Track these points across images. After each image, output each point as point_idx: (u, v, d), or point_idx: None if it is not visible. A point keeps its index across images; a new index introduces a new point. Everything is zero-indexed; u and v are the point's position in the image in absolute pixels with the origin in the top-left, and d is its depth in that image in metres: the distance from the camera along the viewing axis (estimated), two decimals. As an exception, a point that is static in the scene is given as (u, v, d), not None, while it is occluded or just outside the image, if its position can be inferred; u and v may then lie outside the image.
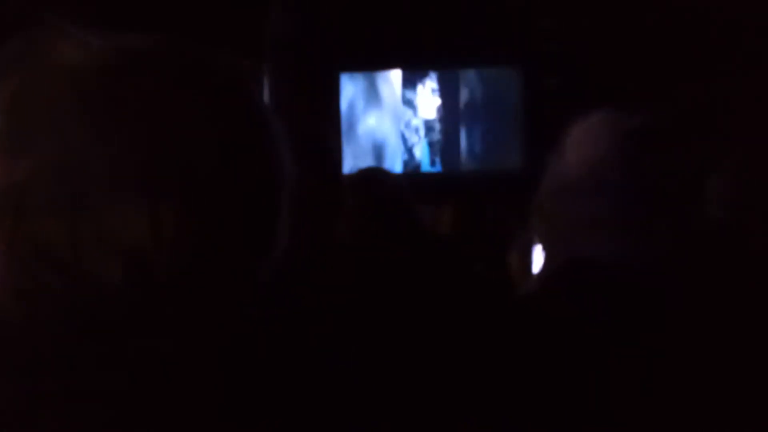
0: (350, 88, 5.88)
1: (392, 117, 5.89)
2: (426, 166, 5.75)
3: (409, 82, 5.88)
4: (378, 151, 5.88)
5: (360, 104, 5.91)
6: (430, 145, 5.86)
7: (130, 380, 0.73)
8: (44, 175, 0.72)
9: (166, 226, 0.73)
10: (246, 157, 0.77)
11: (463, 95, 5.81)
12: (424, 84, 5.86)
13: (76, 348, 0.73)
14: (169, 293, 0.73)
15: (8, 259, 0.73)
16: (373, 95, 5.92)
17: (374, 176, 2.26)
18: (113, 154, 0.72)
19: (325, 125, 5.59)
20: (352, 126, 5.88)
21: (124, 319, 0.73)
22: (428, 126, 5.86)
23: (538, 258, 1.40)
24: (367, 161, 5.77)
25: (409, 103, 5.89)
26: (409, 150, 5.88)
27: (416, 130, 5.89)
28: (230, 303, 0.77)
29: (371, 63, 5.83)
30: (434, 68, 5.80)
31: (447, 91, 5.84)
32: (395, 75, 5.87)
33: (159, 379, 0.73)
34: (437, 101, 5.85)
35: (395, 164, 5.68)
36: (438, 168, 5.73)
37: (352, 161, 5.76)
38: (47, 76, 0.75)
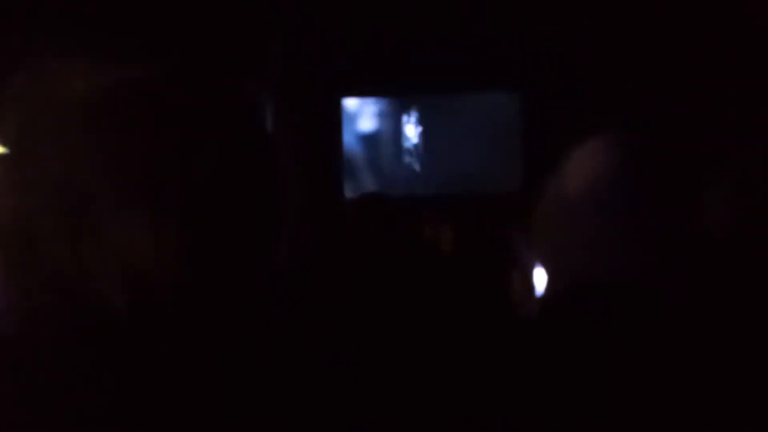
0: (349, 111, 5.89)
1: (391, 140, 5.89)
2: (425, 189, 5.75)
3: (408, 104, 5.89)
4: (377, 173, 5.88)
5: (358, 127, 5.91)
6: (429, 167, 5.86)
7: (133, 391, 0.73)
8: (52, 203, 0.73)
9: (169, 247, 0.73)
10: (248, 176, 0.78)
11: (463, 117, 5.81)
12: (423, 107, 5.87)
13: (82, 368, 0.73)
14: (173, 309, 0.74)
15: (18, 285, 0.74)
16: (371, 119, 5.92)
17: (375, 200, 2.27)
18: (118, 180, 0.73)
19: (327, 148, 5.60)
20: (349, 148, 5.88)
21: (129, 337, 0.74)
22: (427, 148, 5.86)
23: (540, 279, 1.40)
24: (365, 184, 5.76)
25: (407, 125, 5.90)
26: (408, 172, 5.88)
27: (415, 153, 5.90)
28: (232, 315, 0.77)
29: (371, 88, 5.84)
30: (433, 92, 5.81)
31: (446, 114, 5.85)
32: (393, 99, 5.88)
33: (162, 389, 0.74)
34: (437, 123, 5.85)
35: (395, 187, 5.68)
36: (436, 190, 5.73)
37: (351, 184, 5.76)
38: (53, 107, 0.76)
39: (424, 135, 5.89)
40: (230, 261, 0.78)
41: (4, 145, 0.76)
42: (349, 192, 5.57)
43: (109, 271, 0.73)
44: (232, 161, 0.78)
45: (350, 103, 5.86)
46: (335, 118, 5.80)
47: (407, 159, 5.90)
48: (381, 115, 5.92)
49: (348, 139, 5.86)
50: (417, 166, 5.87)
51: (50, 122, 0.76)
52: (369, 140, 5.91)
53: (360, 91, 5.84)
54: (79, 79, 0.77)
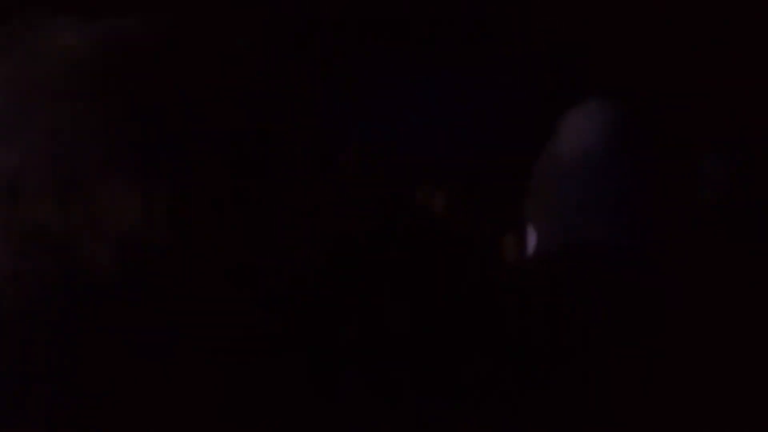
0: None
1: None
2: (418, 150, 5.74)
3: (404, 67, 5.87)
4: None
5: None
6: (423, 129, 5.85)
7: (123, 363, 0.73)
8: (38, 159, 0.72)
9: (159, 210, 0.73)
10: (242, 143, 0.78)
11: (459, 79, 5.80)
12: (418, 69, 5.85)
13: (71, 331, 0.73)
14: (163, 278, 0.74)
15: (4, 242, 0.73)
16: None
17: (365, 155, 2.25)
18: (106, 138, 0.72)
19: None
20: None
21: (119, 302, 0.73)
22: (421, 109, 5.85)
23: (532, 240, 1.40)
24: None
25: (405, 85, 5.88)
26: (401, 133, 5.87)
27: (410, 112, 5.88)
28: (222, 279, 0.77)
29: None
30: (433, 53, 5.78)
31: (442, 70, 5.83)
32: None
33: (153, 363, 0.74)
34: (431, 85, 5.84)
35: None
36: (430, 151, 5.72)
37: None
38: (39, 60, 0.75)
39: (423, 95, 5.88)
40: (220, 223, 0.77)
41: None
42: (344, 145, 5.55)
43: (98, 229, 0.72)
44: (225, 123, 0.77)
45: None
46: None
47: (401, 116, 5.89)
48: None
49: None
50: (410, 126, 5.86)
51: (37, 76, 0.75)
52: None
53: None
54: (68, 32, 0.76)
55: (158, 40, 0.78)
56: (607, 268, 1.20)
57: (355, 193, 1.46)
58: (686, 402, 1.15)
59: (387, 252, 1.59)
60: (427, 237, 1.76)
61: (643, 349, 1.16)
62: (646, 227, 1.21)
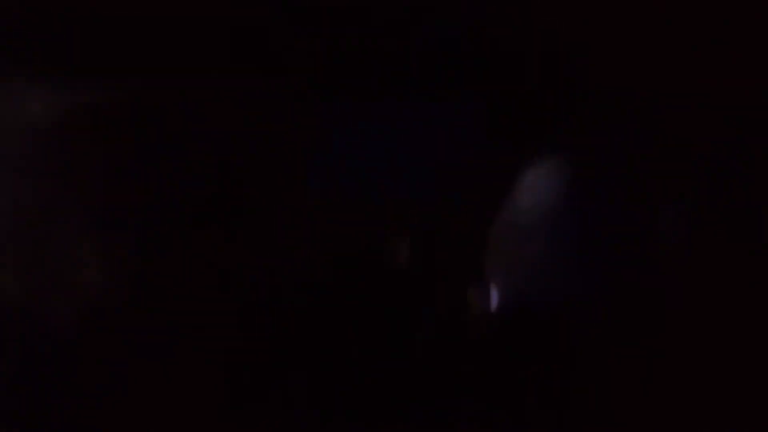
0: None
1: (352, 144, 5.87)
2: (380, 198, 5.73)
3: (363, 112, 5.88)
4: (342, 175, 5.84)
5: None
6: (384, 176, 5.84)
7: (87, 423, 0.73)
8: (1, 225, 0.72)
9: (122, 271, 0.73)
10: (205, 202, 0.78)
11: (420, 129, 5.81)
12: (379, 115, 5.86)
13: (35, 391, 0.73)
14: (126, 339, 0.74)
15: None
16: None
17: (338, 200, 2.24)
18: (71, 204, 0.72)
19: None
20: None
21: (83, 363, 0.73)
22: (382, 157, 5.85)
23: (493, 295, 1.41)
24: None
25: (363, 133, 5.89)
26: (368, 185, 5.86)
27: (371, 161, 5.88)
28: (188, 335, 0.77)
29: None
30: (391, 98, 5.79)
31: (403, 124, 5.84)
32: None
33: (113, 410, 0.73)
34: (392, 133, 5.84)
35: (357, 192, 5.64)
36: (393, 199, 5.71)
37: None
38: (6, 129, 0.75)
39: (384, 142, 5.89)
40: (184, 283, 0.77)
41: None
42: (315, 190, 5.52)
43: (58, 294, 0.72)
44: (190, 187, 0.77)
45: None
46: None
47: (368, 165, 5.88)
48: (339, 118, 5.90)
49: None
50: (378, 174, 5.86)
51: (2, 144, 0.75)
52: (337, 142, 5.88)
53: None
54: (35, 101, 0.76)
55: (123, 106, 0.79)
56: (566, 323, 1.20)
57: (320, 243, 1.46)
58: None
59: (352, 301, 1.58)
60: (392, 288, 1.76)
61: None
62: (607, 282, 1.22)
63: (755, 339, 1.21)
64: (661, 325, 1.22)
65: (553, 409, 1.17)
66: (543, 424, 1.17)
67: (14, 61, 0.80)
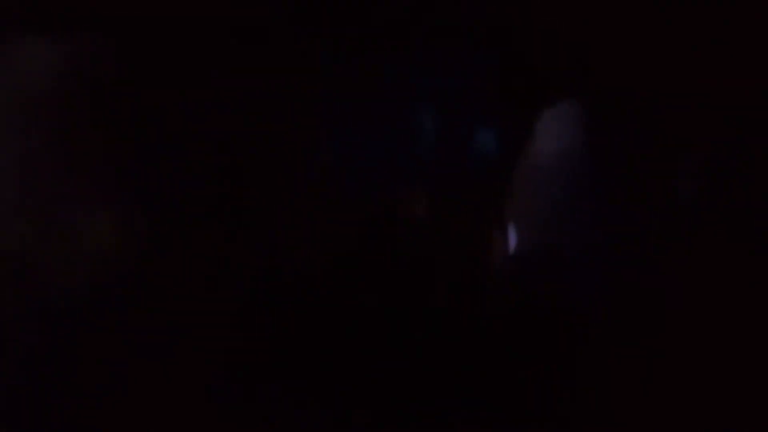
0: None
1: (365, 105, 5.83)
2: (399, 153, 5.70)
3: (381, 69, 5.83)
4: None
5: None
6: (404, 131, 5.81)
7: (97, 387, 0.73)
8: (11, 177, 0.72)
9: (134, 236, 0.73)
10: (216, 161, 0.78)
11: (437, 80, 5.76)
12: (396, 69, 5.81)
13: (45, 353, 0.73)
14: (137, 297, 0.74)
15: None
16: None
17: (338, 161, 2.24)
18: (81, 160, 0.72)
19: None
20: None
21: (94, 325, 0.73)
22: (401, 113, 5.81)
23: (513, 240, 1.42)
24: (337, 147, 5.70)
25: (382, 89, 5.85)
26: (381, 137, 5.83)
27: (389, 117, 5.84)
28: (202, 304, 0.77)
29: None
30: (408, 52, 5.74)
31: (419, 76, 5.79)
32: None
33: (123, 379, 0.74)
34: (410, 86, 5.80)
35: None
36: (412, 154, 5.68)
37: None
38: (15, 78, 0.75)
39: (400, 95, 5.84)
40: (195, 251, 0.77)
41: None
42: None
43: (70, 258, 0.72)
44: (194, 150, 0.77)
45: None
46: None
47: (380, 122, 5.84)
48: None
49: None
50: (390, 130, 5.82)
51: (12, 94, 0.74)
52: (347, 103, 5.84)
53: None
54: (40, 52, 0.76)
55: (129, 57, 0.78)
56: (586, 268, 1.21)
57: (338, 201, 1.46)
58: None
59: (372, 256, 1.60)
60: (411, 240, 1.77)
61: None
62: (624, 226, 1.22)
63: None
64: (682, 269, 1.22)
65: (573, 356, 1.18)
66: (562, 369, 1.18)
67: (24, 20, 0.80)
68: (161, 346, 0.75)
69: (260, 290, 0.83)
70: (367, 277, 1.56)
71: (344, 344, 0.87)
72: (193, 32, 0.81)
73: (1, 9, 0.81)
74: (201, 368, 0.76)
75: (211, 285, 0.79)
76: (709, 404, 1.15)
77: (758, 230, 1.29)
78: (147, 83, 0.77)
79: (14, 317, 0.73)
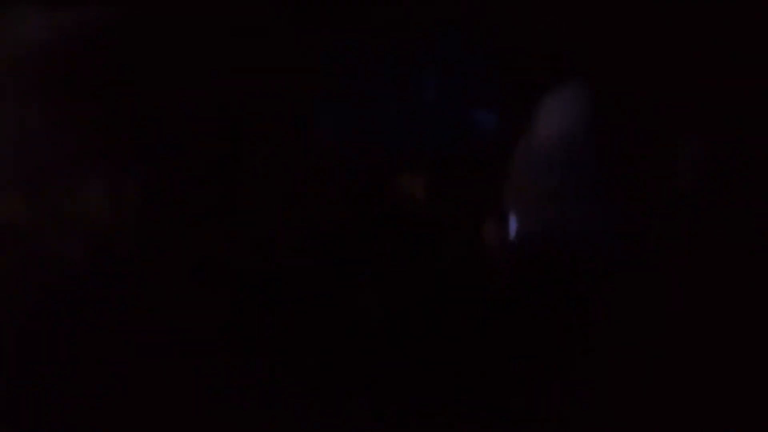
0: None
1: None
2: (398, 136, 5.67)
3: (380, 49, 5.81)
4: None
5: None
6: (402, 114, 5.78)
7: (91, 359, 0.72)
8: (6, 151, 0.72)
9: (128, 206, 0.72)
10: (215, 135, 0.78)
11: (437, 64, 5.74)
12: (396, 54, 5.79)
13: (39, 327, 0.73)
14: (131, 272, 0.73)
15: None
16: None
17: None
18: (75, 134, 0.72)
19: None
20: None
21: (88, 298, 0.73)
22: (400, 94, 5.78)
23: (512, 226, 1.42)
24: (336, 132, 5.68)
25: (381, 71, 5.82)
26: (381, 121, 5.80)
27: (388, 101, 5.81)
28: (197, 281, 0.77)
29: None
30: (409, 37, 5.72)
31: (420, 60, 5.77)
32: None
33: (118, 344, 0.73)
34: (410, 70, 5.77)
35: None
36: (410, 137, 5.66)
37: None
38: (10, 52, 0.74)
39: (396, 77, 5.81)
40: (189, 218, 0.77)
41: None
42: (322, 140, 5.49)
43: (65, 224, 0.72)
44: (197, 116, 0.77)
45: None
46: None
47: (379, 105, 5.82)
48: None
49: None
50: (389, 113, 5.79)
51: (6, 68, 0.74)
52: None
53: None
54: (35, 22, 0.75)
55: (125, 30, 0.78)
56: (584, 255, 1.21)
57: (337, 183, 1.45)
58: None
59: (370, 240, 1.59)
60: (409, 223, 1.76)
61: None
62: (623, 214, 1.22)
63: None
64: (680, 256, 1.22)
65: (572, 341, 1.18)
66: (562, 353, 1.18)
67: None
68: (155, 319, 0.75)
69: (254, 270, 0.83)
70: (365, 260, 1.56)
71: (342, 329, 0.87)
72: None
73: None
74: (195, 340, 0.76)
75: (206, 258, 0.78)
76: (706, 397, 1.15)
77: (758, 222, 1.29)
78: (143, 57, 0.76)
79: (8, 287, 0.73)
